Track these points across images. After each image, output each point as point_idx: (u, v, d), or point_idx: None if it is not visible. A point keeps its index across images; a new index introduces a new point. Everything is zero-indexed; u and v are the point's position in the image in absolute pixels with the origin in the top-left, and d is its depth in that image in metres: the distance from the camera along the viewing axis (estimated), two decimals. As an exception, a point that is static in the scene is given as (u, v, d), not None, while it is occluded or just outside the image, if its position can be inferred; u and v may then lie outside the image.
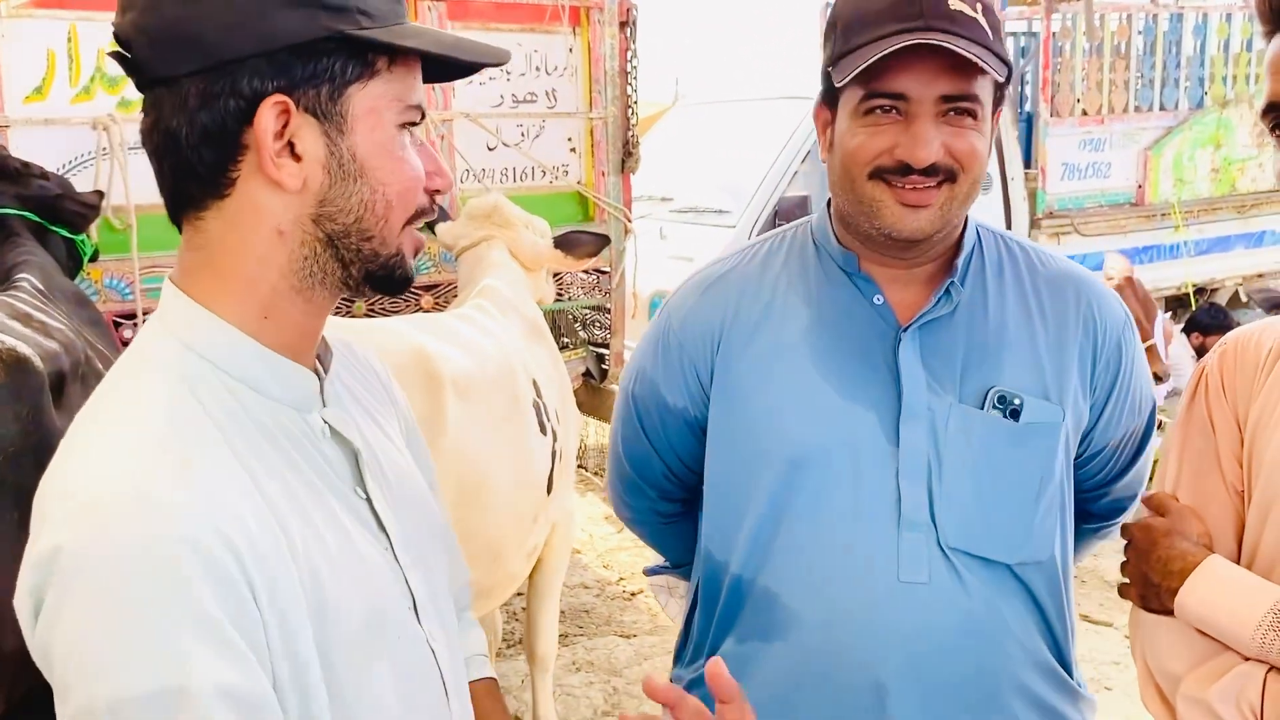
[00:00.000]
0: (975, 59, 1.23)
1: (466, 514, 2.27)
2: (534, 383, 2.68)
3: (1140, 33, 6.71)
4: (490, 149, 4.12)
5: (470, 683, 1.14)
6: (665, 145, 6.53)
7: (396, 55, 0.92)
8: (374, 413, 1.07)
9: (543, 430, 2.63)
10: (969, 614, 1.32)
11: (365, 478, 0.98)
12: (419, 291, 3.90)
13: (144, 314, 3.42)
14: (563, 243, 3.25)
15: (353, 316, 3.88)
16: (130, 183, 3.31)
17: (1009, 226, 6.34)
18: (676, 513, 1.61)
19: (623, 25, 4.25)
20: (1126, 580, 1.25)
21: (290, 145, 0.89)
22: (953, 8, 1.26)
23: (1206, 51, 6.91)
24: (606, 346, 4.50)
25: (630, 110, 4.33)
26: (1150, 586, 1.20)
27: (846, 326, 1.38)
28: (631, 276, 4.36)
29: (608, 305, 4.39)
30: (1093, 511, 1.57)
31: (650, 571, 1.72)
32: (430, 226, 3.51)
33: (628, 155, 4.35)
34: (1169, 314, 5.76)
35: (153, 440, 0.83)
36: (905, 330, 1.36)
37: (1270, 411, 1.20)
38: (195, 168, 0.89)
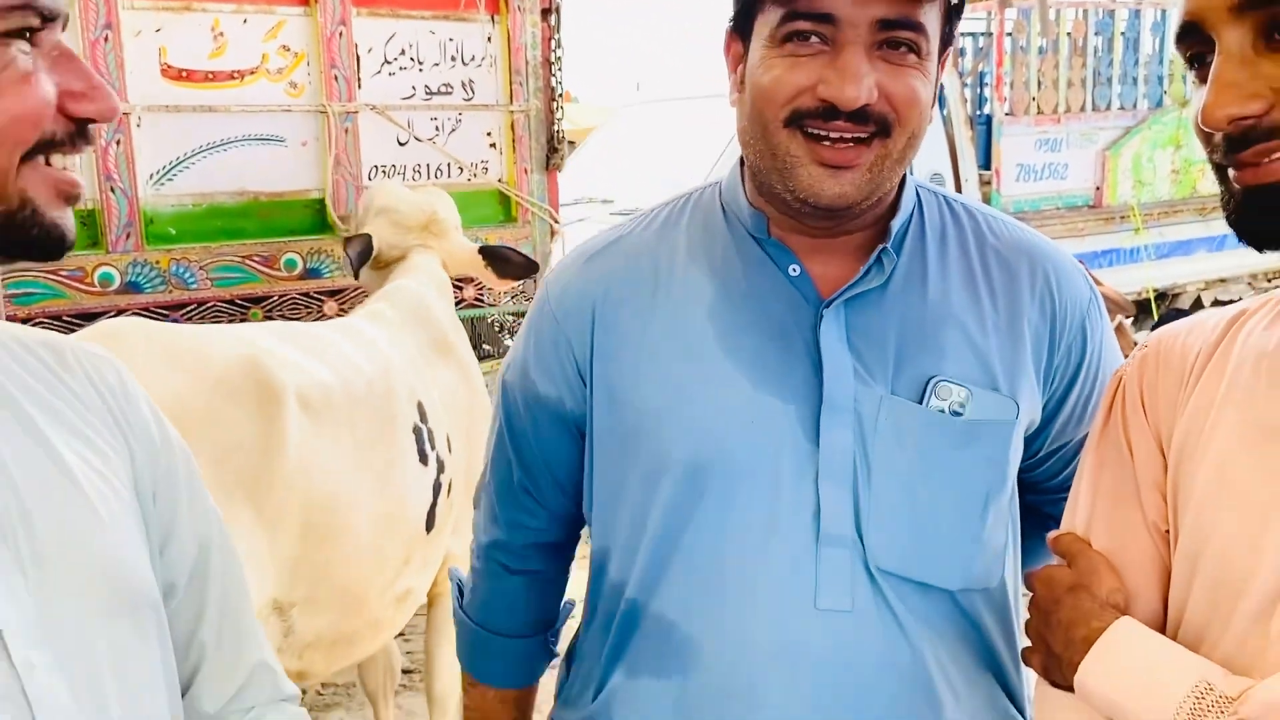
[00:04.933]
0: None
1: (315, 551, 1.98)
2: (419, 405, 2.39)
3: (1097, 31, 6.54)
4: (401, 144, 3.85)
5: None
6: (612, 146, 6.28)
7: None
8: (48, 432, 0.80)
9: (423, 460, 2.33)
10: (898, 650, 1.09)
11: None
12: (322, 297, 3.60)
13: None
14: (491, 256, 3.00)
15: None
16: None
17: (964, 229, 6.14)
18: (532, 565, 1.33)
19: (545, 13, 4.00)
20: (1029, 644, 1.00)
21: None
22: None
23: (1166, 49, 6.72)
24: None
25: (555, 103, 4.08)
26: (1051, 656, 0.95)
27: (757, 303, 1.14)
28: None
29: (534, 311, 4.12)
30: (1053, 515, 1.34)
31: None
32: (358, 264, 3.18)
33: (553, 152, 4.08)
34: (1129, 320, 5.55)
35: None
36: (827, 306, 1.12)
37: (1197, 432, 0.96)
38: None
